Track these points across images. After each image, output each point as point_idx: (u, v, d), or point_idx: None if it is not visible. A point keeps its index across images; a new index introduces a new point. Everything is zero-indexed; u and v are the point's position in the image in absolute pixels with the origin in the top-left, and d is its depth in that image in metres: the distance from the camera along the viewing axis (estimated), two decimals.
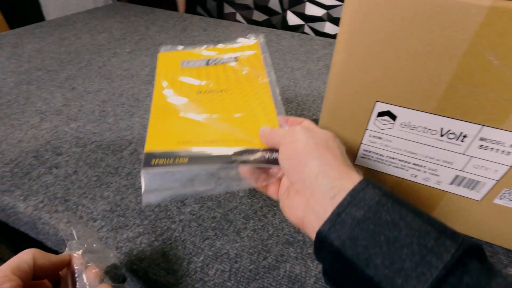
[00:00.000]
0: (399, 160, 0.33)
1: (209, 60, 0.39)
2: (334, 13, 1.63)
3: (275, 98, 0.34)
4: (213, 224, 0.35)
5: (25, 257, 0.21)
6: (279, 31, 0.93)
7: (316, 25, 1.74)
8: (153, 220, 0.35)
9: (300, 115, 0.55)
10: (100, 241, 0.29)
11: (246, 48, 0.41)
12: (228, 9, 1.93)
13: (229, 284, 0.30)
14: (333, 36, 1.66)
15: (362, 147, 0.34)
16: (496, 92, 0.24)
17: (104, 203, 0.37)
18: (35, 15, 1.29)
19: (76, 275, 0.22)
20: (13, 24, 1.28)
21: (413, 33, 0.24)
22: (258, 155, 0.28)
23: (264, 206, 0.38)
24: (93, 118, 0.51)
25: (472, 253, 0.17)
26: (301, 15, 1.76)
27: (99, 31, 0.86)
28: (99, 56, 0.72)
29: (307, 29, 1.79)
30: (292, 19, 1.81)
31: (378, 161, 0.34)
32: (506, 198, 0.30)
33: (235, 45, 0.41)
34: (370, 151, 0.34)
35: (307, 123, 0.30)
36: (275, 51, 0.80)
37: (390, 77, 0.27)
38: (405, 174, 0.34)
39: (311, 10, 1.70)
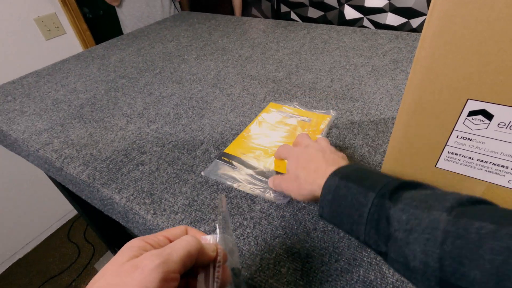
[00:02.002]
0: (494, 164, 0.29)
1: (292, 115, 0.55)
2: (397, 2, 1.52)
3: None
4: (283, 223, 0.36)
5: (194, 246, 0.21)
6: (340, 27, 0.90)
7: (376, 17, 1.63)
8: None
9: (366, 114, 0.53)
10: (236, 243, 0.31)
11: (319, 117, 0.54)
12: (282, 8, 1.94)
13: (301, 283, 0.30)
14: (397, 28, 1.54)
15: (447, 149, 0.31)
16: None
17: (183, 198, 0.40)
18: (116, 30, 1.47)
19: (217, 270, 0.22)
20: (98, 39, 1.49)
21: None
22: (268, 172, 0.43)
23: None
24: (169, 120, 0.56)
25: (387, 193, 0.25)
26: (360, 8, 1.67)
27: (169, 39, 0.95)
28: (170, 63, 0.79)
29: (366, 22, 1.70)
30: (350, 13, 1.73)
31: (466, 165, 0.31)
32: None
33: (313, 111, 0.56)
34: (456, 154, 0.31)
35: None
36: (336, 48, 0.78)
37: (487, 72, 0.25)
38: (500, 180, 0.30)
39: (371, 1, 1.61)
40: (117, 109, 0.61)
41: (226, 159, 0.46)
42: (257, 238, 0.35)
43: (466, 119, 0.28)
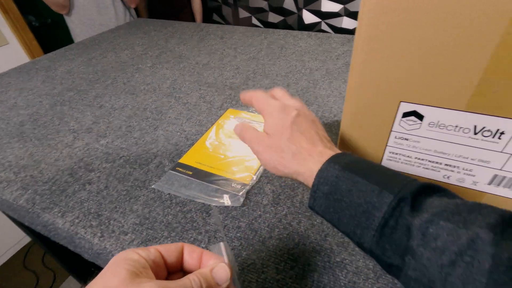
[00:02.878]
0: (429, 161, 0.31)
1: (251, 121, 0.55)
2: (351, 7, 1.59)
3: None
4: (238, 234, 0.35)
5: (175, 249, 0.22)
6: (296, 32, 0.92)
7: (333, 21, 1.70)
8: (180, 232, 0.36)
9: (321, 117, 0.54)
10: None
11: None
12: (243, 13, 1.95)
13: None
14: (352, 31, 1.62)
15: (388, 149, 0.32)
16: None
17: (134, 217, 0.38)
18: (67, 39, 1.39)
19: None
20: (47, 49, 1.39)
21: (441, 27, 0.23)
22: (225, 181, 0.42)
23: (289, 213, 0.37)
24: (120, 134, 0.53)
25: (408, 198, 0.21)
26: (317, 13, 1.73)
27: (123, 48, 0.91)
28: (124, 73, 0.75)
29: (324, 26, 1.76)
30: (308, 17, 1.78)
31: (406, 163, 0.32)
32: None
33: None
34: (397, 153, 0.32)
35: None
36: (292, 53, 0.79)
37: (416, 76, 0.26)
38: (437, 176, 0.32)
39: (327, 6, 1.67)
40: (63, 125, 0.57)
41: (180, 169, 0.45)
42: None
43: (401, 121, 0.29)
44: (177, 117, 0.57)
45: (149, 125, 0.55)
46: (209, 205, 0.39)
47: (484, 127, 0.26)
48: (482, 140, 0.27)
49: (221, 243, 0.24)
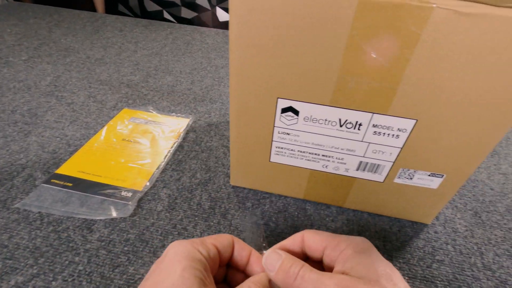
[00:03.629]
0: (309, 153, 0.33)
1: (147, 121, 0.51)
2: None
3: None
4: (126, 248, 0.32)
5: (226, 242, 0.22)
6: (203, 29, 0.90)
7: None
8: (51, 256, 0.30)
9: (224, 115, 0.54)
10: None
11: (177, 122, 0.51)
12: (153, 6, 1.82)
13: None
14: None
15: (274, 144, 0.34)
16: (378, 81, 0.26)
17: None
18: None
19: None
20: None
21: (298, 27, 0.24)
22: (112, 191, 0.38)
23: (185, 217, 0.36)
24: None
25: None
26: None
27: None
28: None
29: None
30: (223, 15, 1.78)
31: (291, 156, 0.34)
32: (403, 177, 0.33)
33: (170, 116, 0.53)
34: (282, 148, 0.34)
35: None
36: (198, 50, 0.77)
37: (287, 73, 0.27)
38: (317, 166, 0.34)
39: None
40: None
41: (57, 181, 0.38)
42: (91, 274, 0.29)
43: (281, 116, 0.31)
44: (57, 120, 0.49)
45: (17, 131, 0.46)
46: (92, 219, 0.34)
47: (346, 120, 0.29)
48: (346, 131, 0.30)
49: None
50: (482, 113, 0.26)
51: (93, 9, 1.61)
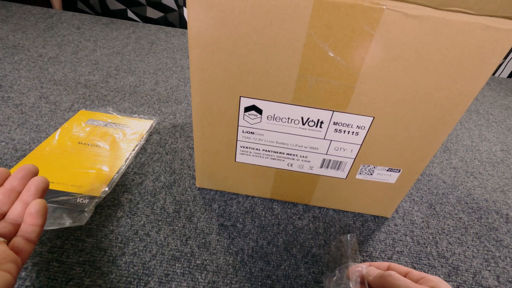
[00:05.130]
0: (274, 152, 0.33)
1: (107, 123, 0.48)
2: None
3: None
4: (81, 258, 0.30)
5: None
6: (168, 28, 0.87)
7: None
8: None
9: (189, 116, 0.52)
10: None
11: (139, 123, 0.49)
12: (115, 5, 1.74)
13: None
14: None
15: (239, 143, 0.33)
16: (336, 79, 0.26)
17: None
18: None
19: None
20: None
21: (257, 27, 0.24)
22: (66, 198, 0.35)
23: (147, 222, 0.34)
24: None
25: None
26: None
27: None
28: None
29: None
30: None
31: (256, 156, 0.34)
32: (364, 173, 0.34)
33: (133, 117, 0.50)
34: (247, 147, 0.33)
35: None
36: (163, 50, 0.75)
37: (248, 72, 0.27)
38: (283, 165, 0.35)
39: None
40: None
41: None
42: None
43: (245, 115, 0.30)
44: (2, 122, 0.44)
45: None
46: (47, 230, 0.31)
47: (308, 118, 0.30)
48: (309, 129, 0.31)
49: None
50: (431, 110, 0.27)
51: (49, 5, 1.50)
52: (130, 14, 1.79)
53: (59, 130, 0.44)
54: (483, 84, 0.25)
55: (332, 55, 0.25)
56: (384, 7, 0.22)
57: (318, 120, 0.30)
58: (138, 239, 0.32)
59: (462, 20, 0.22)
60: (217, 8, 0.24)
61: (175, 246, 0.32)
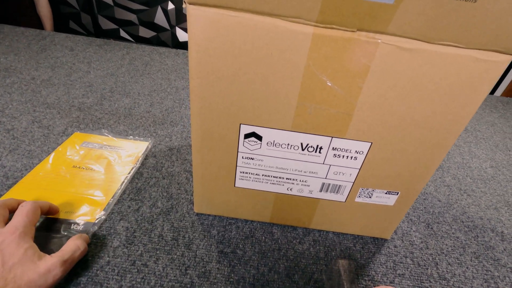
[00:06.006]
0: (274, 176, 0.33)
1: (102, 145, 0.47)
2: None
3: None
4: None
5: None
6: (163, 49, 0.89)
7: None
8: None
9: (186, 138, 0.52)
10: None
11: (134, 145, 0.49)
12: (108, 24, 1.76)
13: None
14: None
15: (238, 169, 0.33)
16: (335, 107, 0.27)
17: None
18: None
19: None
20: None
21: (257, 57, 0.25)
22: (60, 225, 0.34)
23: (145, 252, 0.33)
24: None
25: None
26: None
27: None
28: None
29: None
30: (182, 35, 1.78)
31: (256, 181, 0.34)
32: (363, 196, 0.34)
33: (128, 139, 0.50)
34: (246, 172, 0.33)
35: None
36: (157, 71, 0.75)
37: (248, 99, 0.27)
38: (282, 189, 0.35)
39: None
40: None
41: None
42: None
43: (244, 141, 0.31)
44: None
45: None
46: None
47: (308, 144, 0.30)
48: (308, 155, 0.31)
49: None
50: (427, 135, 0.28)
51: (40, 26, 1.51)
52: (123, 33, 1.81)
53: (53, 154, 0.44)
54: (475, 110, 0.26)
55: (330, 84, 0.26)
56: (379, 41, 0.23)
57: (317, 145, 0.30)
58: (136, 270, 0.31)
59: (453, 52, 0.23)
60: (218, 40, 0.24)
61: (174, 276, 0.31)
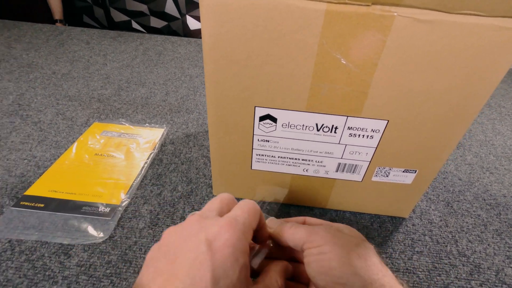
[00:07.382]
0: (290, 158, 0.34)
1: (121, 134, 0.49)
2: None
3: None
4: (108, 270, 0.31)
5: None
6: (175, 38, 0.89)
7: None
8: (26, 287, 0.28)
9: (201, 125, 0.53)
10: None
11: (151, 132, 0.51)
12: (120, 17, 1.78)
13: None
14: None
15: (255, 151, 0.34)
16: (350, 86, 0.27)
17: None
18: None
19: None
20: None
21: (270, 38, 0.25)
22: (89, 208, 0.36)
23: None
24: None
25: None
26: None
27: None
28: None
29: None
30: (193, 23, 1.77)
31: (272, 163, 0.35)
32: (379, 175, 0.34)
33: (144, 127, 0.52)
34: (262, 155, 0.34)
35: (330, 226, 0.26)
36: (171, 60, 0.76)
37: (262, 82, 0.28)
38: (298, 170, 0.35)
39: None
40: None
41: (27, 203, 0.36)
42: None
43: (260, 124, 0.31)
44: (23, 140, 0.46)
45: None
46: (69, 244, 0.32)
47: (323, 124, 0.30)
48: (323, 135, 0.31)
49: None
50: (445, 111, 0.28)
51: (50, 16, 1.52)
52: (135, 25, 1.82)
53: (75, 144, 0.46)
54: (497, 84, 0.25)
55: (344, 62, 0.25)
56: (395, 14, 0.22)
57: (333, 125, 0.30)
58: None
59: (473, 22, 0.22)
60: (230, 24, 0.24)
61: None
